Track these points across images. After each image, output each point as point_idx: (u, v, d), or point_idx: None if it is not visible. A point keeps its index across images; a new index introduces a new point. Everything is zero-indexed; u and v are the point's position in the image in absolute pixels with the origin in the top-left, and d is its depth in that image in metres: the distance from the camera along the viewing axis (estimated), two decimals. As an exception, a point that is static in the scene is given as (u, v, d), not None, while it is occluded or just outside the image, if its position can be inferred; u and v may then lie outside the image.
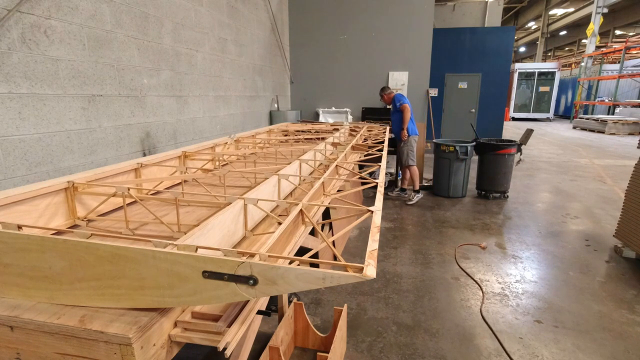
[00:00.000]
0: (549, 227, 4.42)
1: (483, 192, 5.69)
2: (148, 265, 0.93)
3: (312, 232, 2.13)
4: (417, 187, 5.46)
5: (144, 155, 3.72)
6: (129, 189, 1.52)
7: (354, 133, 4.41)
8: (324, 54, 8.20)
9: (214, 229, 1.27)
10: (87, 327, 0.92)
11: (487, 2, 10.10)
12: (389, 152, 5.26)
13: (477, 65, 9.33)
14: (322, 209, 1.92)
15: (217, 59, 5.08)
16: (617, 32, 23.07)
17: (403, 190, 5.79)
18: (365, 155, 2.98)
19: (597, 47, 18.70)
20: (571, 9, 22.21)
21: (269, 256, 0.95)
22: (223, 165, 2.83)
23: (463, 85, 9.50)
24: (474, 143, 5.57)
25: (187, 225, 1.47)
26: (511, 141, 5.56)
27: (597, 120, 14.91)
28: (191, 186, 2.27)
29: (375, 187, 1.79)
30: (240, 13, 5.73)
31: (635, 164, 3.53)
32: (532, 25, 28.05)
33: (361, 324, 2.58)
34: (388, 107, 6.52)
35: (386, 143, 3.26)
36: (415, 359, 2.25)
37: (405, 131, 5.25)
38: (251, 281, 0.88)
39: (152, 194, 2.06)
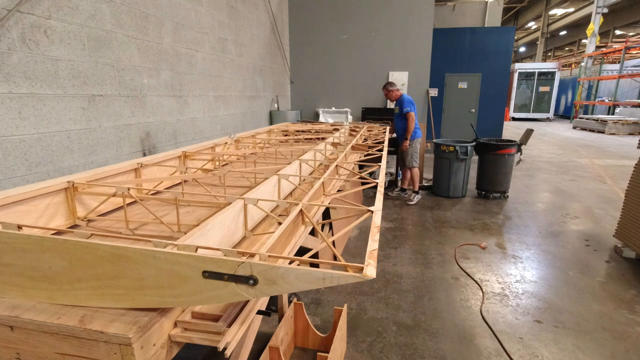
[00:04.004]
0: (549, 227, 4.42)
1: (483, 192, 5.69)
2: (148, 265, 0.93)
3: (312, 232, 2.13)
4: (416, 188, 5.46)
5: (144, 155, 3.72)
6: (129, 189, 1.52)
7: (354, 133, 4.41)
8: (324, 54, 8.20)
9: (214, 229, 1.27)
10: (87, 327, 0.92)
11: (487, 2, 10.10)
12: (389, 152, 5.26)
13: (477, 65, 9.33)
14: (322, 209, 1.92)
15: (217, 59, 5.08)
16: (617, 32, 23.07)
17: (403, 190, 5.79)
18: (365, 155, 2.98)
19: (597, 47, 18.70)
20: (571, 9, 22.22)
21: (269, 256, 0.95)
22: (223, 165, 2.83)
23: (463, 85, 9.49)
24: (474, 143, 5.57)
25: (187, 225, 1.47)
26: (511, 141, 5.56)
27: (597, 120, 14.91)
28: (191, 186, 2.27)
29: (375, 187, 1.79)
30: (240, 13, 5.73)
31: (635, 164, 3.53)
32: (532, 25, 28.05)
33: (361, 324, 2.58)
34: (390, 105, 6.42)
35: (386, 143, 3.26)
36: (415, 359, 2.25)
37: (408, 141, 5.27)
38: (251, 281, 0.88)
39: (152, 194, 2.06)
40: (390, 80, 7.99)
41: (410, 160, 5.39)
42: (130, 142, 3.57)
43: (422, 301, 2.86)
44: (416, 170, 5.43)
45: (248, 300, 1.14)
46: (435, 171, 5.84)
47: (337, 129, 4.45)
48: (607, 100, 17.43)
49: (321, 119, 8.13)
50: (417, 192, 5.46)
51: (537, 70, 19.99)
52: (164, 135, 4.06)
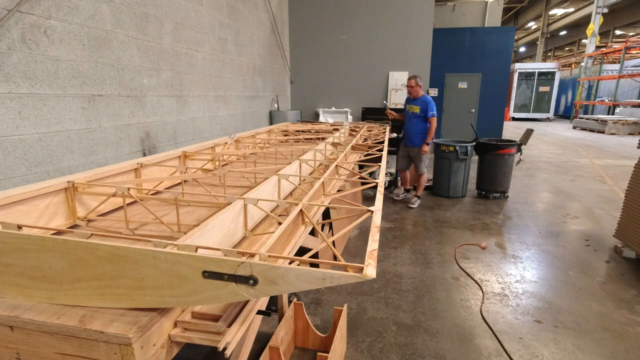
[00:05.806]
0: (549, 227, 4.42)
1: (483, 192, 5.69)
2: (148, 265, 0.93)
3: (312, 232, 2.13)
4: (419, 193, 5.42)
5: (144, 155, 3.72)
6: (129, 189, 1.52)
7: (354, 133, 4.41)
8: (324, 54, 8.21)
9: (214, 229, 1.27)
10: (87, 327, 0.92)
11: (487, 2, 10.10)
12: (389, 152, 5.22)
13: (477, 65, 9.33)
14: (322, 209, 1.92)
15: (217, 59, 5.09)
16: (617, 32, 23.06)
17: (407, 191, 5.74)
18: (365, 155, 2.98)
19: (597, 47, 18.69)
20: (571, 9, 22.22)
21: (269, 256, 0.95)
22: (223, 165, 2.83)
23: (463, 85, 9.49)
24: (474, 143, 5.57)
25: (187, 225, 1.47)
26: (511, 141, 5.56)
27: (597, 120, 14.90)
28: (191, 186, 2.27)
29: (375, 187, 1.79)
30: (240, 13, 5.73)
31: (635, 164, 3.53)
32: (532, 25, 28.05)
33: (361, 324, 2.58)
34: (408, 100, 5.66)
35: (386, 143, 3.26)
36: (415, 359, 2.25)
37: (428, 146, 5.15)
38: (251, 281, 0.88)
39: (152, 194, 2.06)
40: (390, 80, 8.00)
41: (423, 167, 5.31)
42: (130, 142, 3.57)
43: (422, 301, 2.86)
44: (425, 177, 5.38)
45: (248, 300, 1.14)
46: (435, 171, 5.84)
47: (337, 129, 4.45)
48: (607, 100, 17.42)
49: (321, 119, 8.13)
50: (418, 197, 5.43)
51: (537, 70, 19.99)
52: (164, 135, 4.06)
